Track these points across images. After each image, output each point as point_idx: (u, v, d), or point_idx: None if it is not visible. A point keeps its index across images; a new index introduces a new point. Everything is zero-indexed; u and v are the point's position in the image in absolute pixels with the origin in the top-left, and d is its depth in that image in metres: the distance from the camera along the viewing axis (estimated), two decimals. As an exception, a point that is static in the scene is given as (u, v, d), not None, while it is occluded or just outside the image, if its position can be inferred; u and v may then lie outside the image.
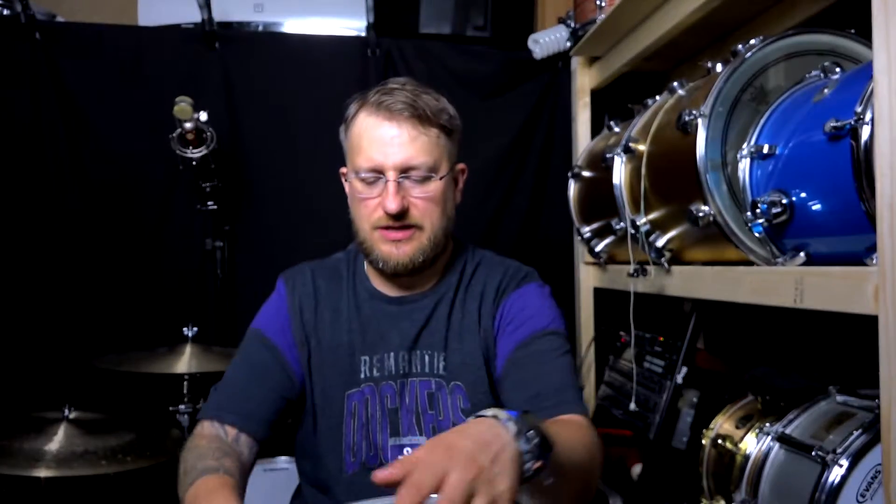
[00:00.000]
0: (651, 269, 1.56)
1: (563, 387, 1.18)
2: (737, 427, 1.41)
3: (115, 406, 1.91)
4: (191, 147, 1.93)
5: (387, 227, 1.22)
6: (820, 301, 1.05)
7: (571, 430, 1.05)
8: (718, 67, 1.38)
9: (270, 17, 2.37)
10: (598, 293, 2.15)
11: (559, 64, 2.35)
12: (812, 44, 1.30)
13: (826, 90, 1.12)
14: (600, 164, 1.70)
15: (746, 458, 1.32)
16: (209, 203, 2.10)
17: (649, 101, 1.66)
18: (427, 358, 1.28)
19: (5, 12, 2.10)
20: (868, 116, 0.94)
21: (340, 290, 1.33)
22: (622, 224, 1.61)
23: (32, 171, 2.11)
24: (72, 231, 2.13)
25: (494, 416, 0.82)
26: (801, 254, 1.12)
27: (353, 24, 2.37)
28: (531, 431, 0.81)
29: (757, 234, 1.18)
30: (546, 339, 1.24)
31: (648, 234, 1.51)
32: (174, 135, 1.91)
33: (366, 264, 1.34)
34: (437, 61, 2.32)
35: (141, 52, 2.19)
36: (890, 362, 0.91)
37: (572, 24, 2.18)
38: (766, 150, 1.17)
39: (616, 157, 1.62)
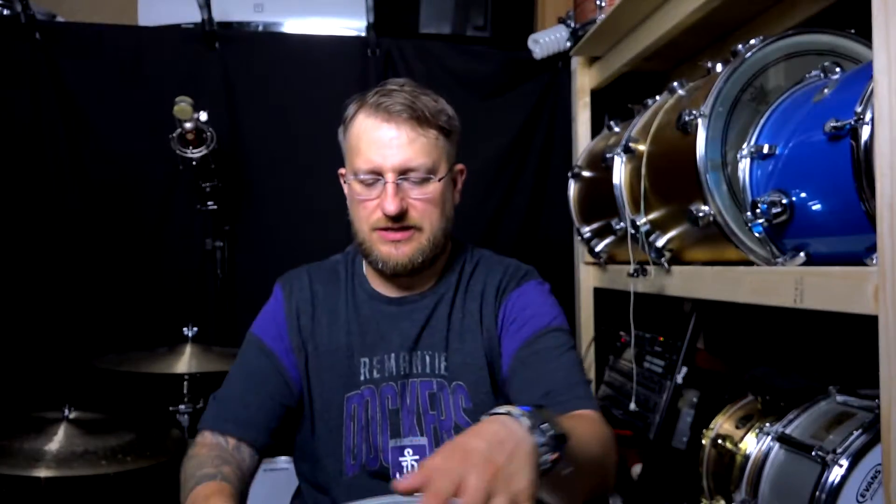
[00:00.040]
0: (651, 269, 1.56)
1: (573, 383, 1.18)
2: (737, 427, 1.41)
3: (115, 406, 1.90)
4: (191, 147, 1.93)
5: (386, 228, 1.22)
6: (820, 301, 1.05)
7: (585, 425, 1.05)
8: (718, 67, 1.38)
9: (270, 17, 2.37)
10: (598, 293, 2.15)
11: (559, 64, 2.35)
12: (812, 44, 1.30)
13: (826, 90, 1.12)
14: (600, 164, 1.70)
15: (746, 458, 1.32)
16: (209, 203, 2.10)
17: (649, 101, 1.66)
18: (428, 358, 1.28)
19: (5, 12, 2.10)
20: (868, 116, 0.94)
21: (338, 293, 1.33)
22: (622, 224, 1.61)
23: (32, 171, 2.11)
24: (72, 231, 2.13)
25: (508, 413, 0.82)
26: (801, 254, 1.12)
27: (353, 24, 2.37)
28: (545, 424, 0.81)
29: (757, 234, 1.18)
30: (550, 337, 1.24)
31: (648, 234, 1.51)
32: (174, 135, 1.91)
33: (364, 265, 1.34)
34: (437, 61, 2.32)
35: (141, 52, 2.19)
36: (890, 362, 0.91)
37: (572, 24, 2.18)
38: (766, 150, 1.17)
39: (616, 157, 1.62)
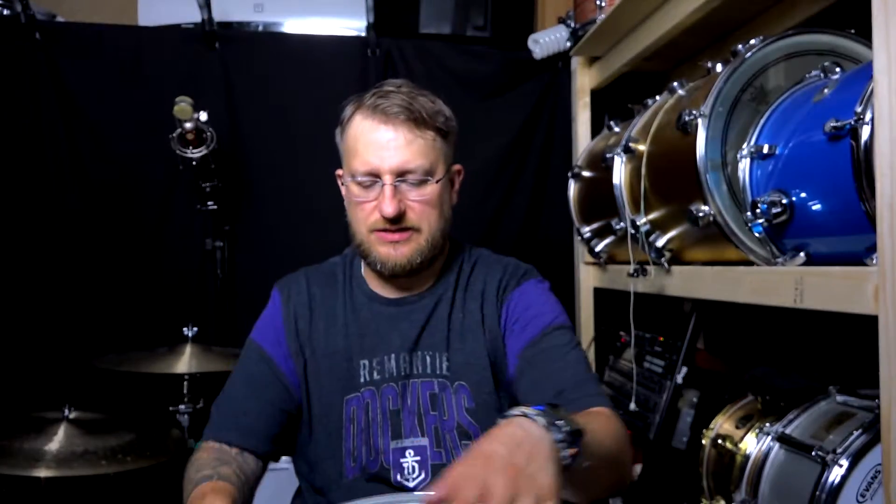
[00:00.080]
0: (651, 269, 1.55)
1: (582, 381, 1.18)
2: (737, 427, 1.41)
3: (115, 406, 1.90)
4: (191, 147, 1.93)
5: (384, 230, 1.22)
6: (820, 301, 1.05)
7: (600, 421, 1.04)
8: (718, 67, 1.38)
9: (270, 17, 2.37)
10: (598, 293, 2.15)
11: (559, 64, 2.35)
12: (812, 44, 1.30)
13: (826, 90, 1.12)
14: (600, 164, 1.70)
15: (746, 458, 1.32)
16: (209, 203, 2.10)
17: (649, 101, 1.66)
18: (429, 359, 1.28)
19: (5, 12, 2.10)
20: (868, 116, 0.94)
21: (336, 296, 1.33)
22: (622, 224, 1.61)
23: (32, 171, 2.11)
24: (72, 231, 2.13)
25: (523, 414, 0.82)
26: (801, 254, 1.12)
27: (353, 24, 2.37)
28: (560, 420, 0.82)
29: (757, 234, 1.18)
30: (555, 335, 1.24)
31: (648, 234, 1.51)
32: (174, 135, 1.92)
33: (363, 267, 1.33)
34: (437, 61, 2.32)
35: (141, 52, 2.19)
36: (890, 362, 0.91)
37: (572, 24, 2.18)
38: (766, 150, 1.17)
39: (616, 157, 1.62)
